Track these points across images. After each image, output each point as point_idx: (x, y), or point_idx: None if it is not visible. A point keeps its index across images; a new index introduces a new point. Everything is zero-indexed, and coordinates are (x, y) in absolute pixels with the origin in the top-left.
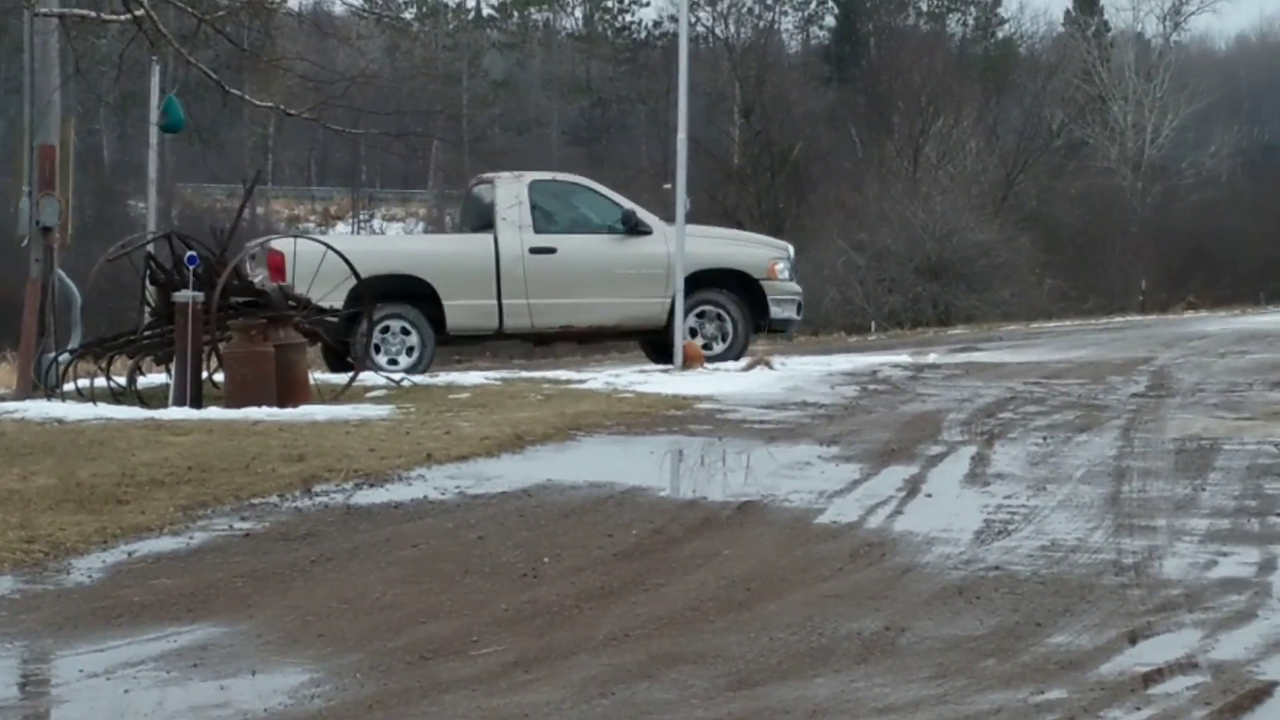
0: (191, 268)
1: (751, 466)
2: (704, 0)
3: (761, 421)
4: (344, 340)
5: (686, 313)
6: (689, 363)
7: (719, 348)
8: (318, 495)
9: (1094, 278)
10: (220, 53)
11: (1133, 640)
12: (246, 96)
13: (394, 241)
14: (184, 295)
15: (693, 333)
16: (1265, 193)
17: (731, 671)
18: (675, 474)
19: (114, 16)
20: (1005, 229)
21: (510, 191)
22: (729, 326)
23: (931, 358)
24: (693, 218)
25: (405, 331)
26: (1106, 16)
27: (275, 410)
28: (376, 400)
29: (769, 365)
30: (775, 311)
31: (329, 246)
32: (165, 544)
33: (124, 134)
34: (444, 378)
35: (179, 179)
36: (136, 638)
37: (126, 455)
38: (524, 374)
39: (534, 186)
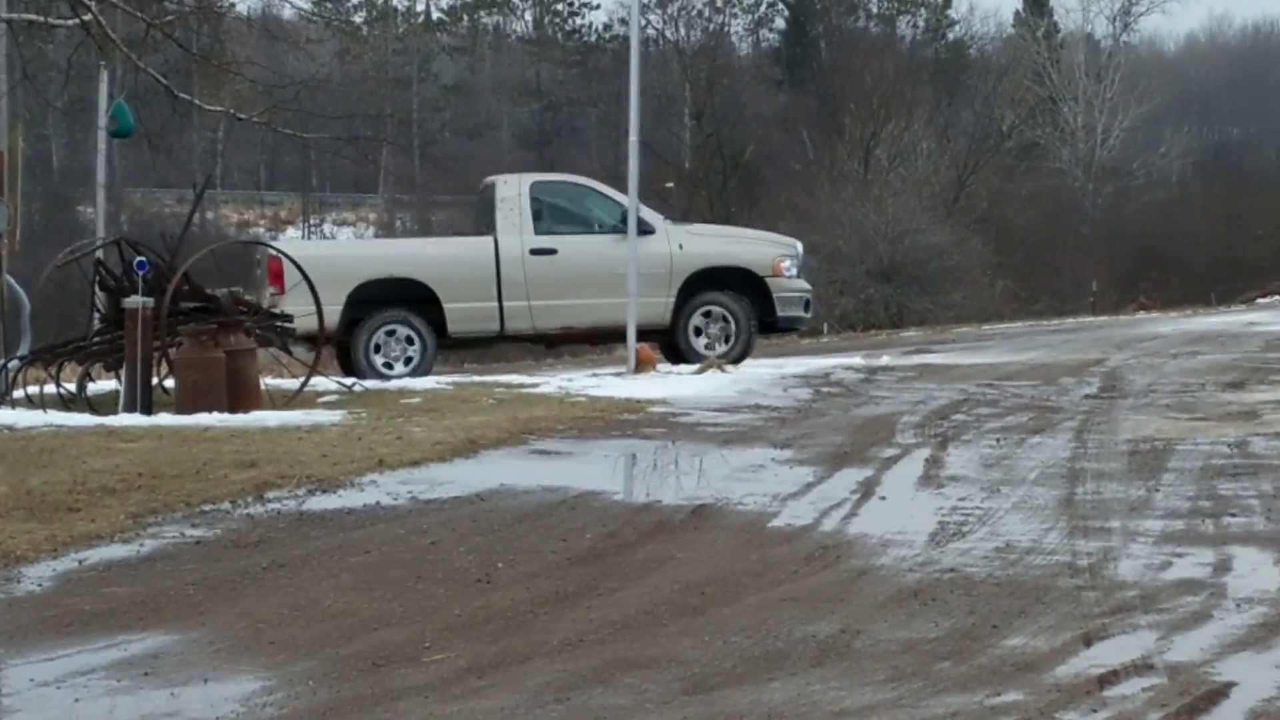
0: (141, 273)
1: (705, 470)
2: (654, 3)
3: (715, 424)
4: (343, 342)
5: (690, 313)
6: (641, 366)
7: (721, 348)
8: (269, 501)
9: (1045, 279)
10: (170, 57)
11: (1088, 642)
12: (196, 101)
13: (393, 245)
14: (134, 301)
15: (698, 332)
16: (1216, 193)
17: (686, 676)
18: (629, 478)
19: (61, 21)
20: (957, 231)
21: (510, 193)
22: (733, 326)
23: (884, 360)
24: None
25: (409, 339)
26: (1056, 18)
27: (226, 416)
28: (328, 405)
29: (722, 368)
30: (782, 309)
31: (281, 253)
32: (116, 551)
33: (73, 139)
34: (396, 383)
35: (128, 184)
36: (87, 646)
37: (77, 462)
38: (476, 378)
39: (535, 187)
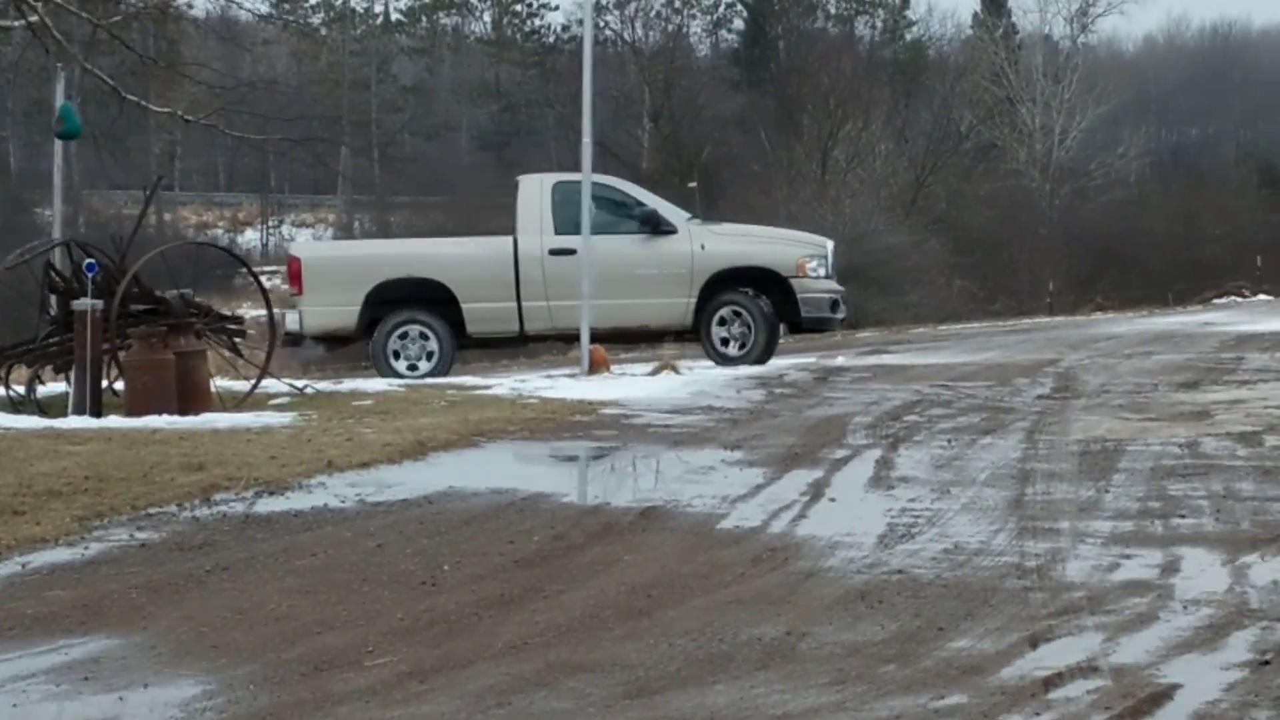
0: (90, 275)
1: (655, 472)
2: (612, 4)
3: (666, 426)
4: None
5: (712, 314)
6: (595, 367)
7: (733, 350)
8: (216, 504)
9: (1003, 279)
10: (127, 59)
11: (1034, 644)
12: (143, 103)
13: (411, 245)
14: (83, 303)
15: (723, 339)
16: (1173, 194)
17: (630, 680)
18: (578, 480)
19: (7, 23)
20: (915, 231)
21: (532, 192)
22: (750, 328)
23: (839, 361)
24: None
25: (424, 336)
26: (1014, 19)
27: (176, 418)
28: (279, 408)
29: (675, 370)
30: (806, 310)
31: (234, 263)
32: (60, 555)
33: (31, 141)
34: (348, 384)
35: (85, 186)
36: (28, 650)
37: (24, 465)
38: (429, 380)
39: (557, 187)
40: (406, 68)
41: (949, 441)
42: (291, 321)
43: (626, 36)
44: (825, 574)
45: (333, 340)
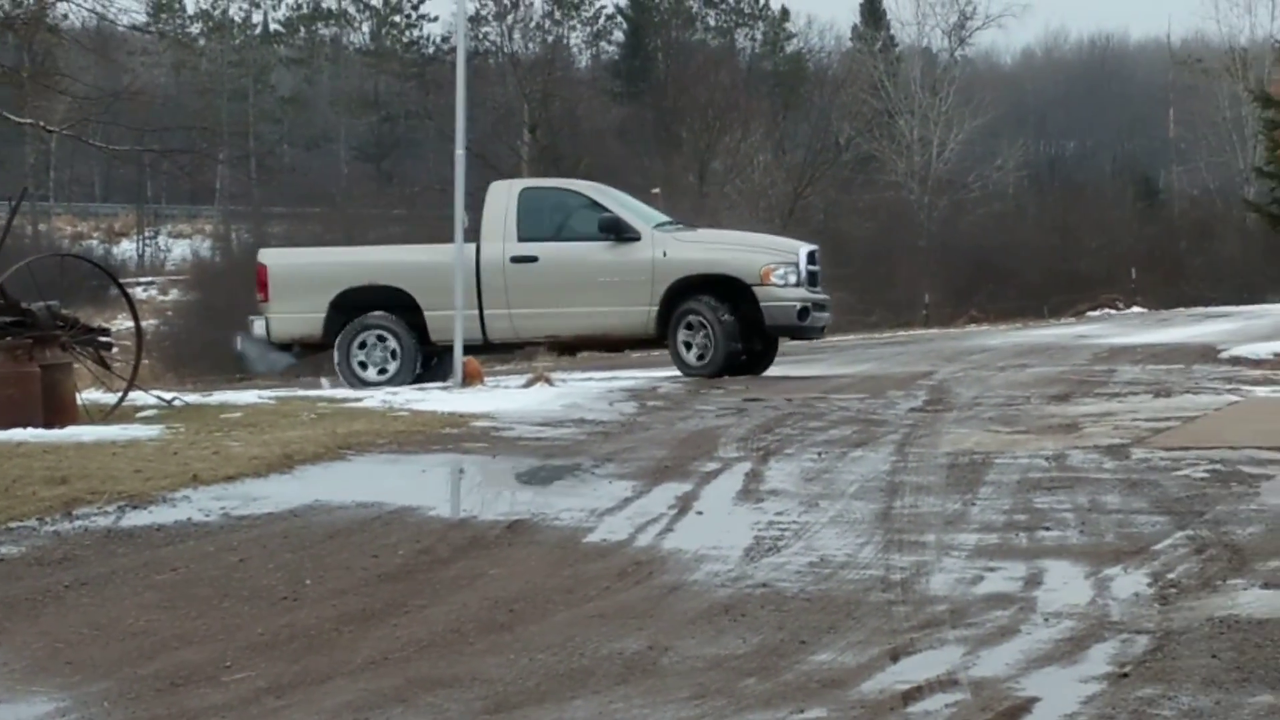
0: None
1: (523, 484)
2: (491, 16)
3: (537, 439)
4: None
5: (677, 323)
6: (469, 380)
7: (693, 359)
8: (78, 518)
9: (881, 291)
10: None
11: (895, 657)
12: (3, 113)
13: (375, 252)
14: None
15: (687, 346)
16: (1050, 206)
17: (489, 695)
18: (445, 493)
19: None
20: None
21: (498, 199)
22: (710, 338)
23: None
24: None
25: (383, 340)
26: (893, 31)
27: (41, 431)
28: (147, 420)
29: (549, 382)
30: (770, 319)
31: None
32: None
33: None
34: (217, 396)
35: None
36: None
37: None
38: (300, 392)
39: (524, 194)
40: (285, 78)
41: (819, 454)
42: (259, 329)
43: (506, 48)
44: (690, 588)
45: (304, 347)
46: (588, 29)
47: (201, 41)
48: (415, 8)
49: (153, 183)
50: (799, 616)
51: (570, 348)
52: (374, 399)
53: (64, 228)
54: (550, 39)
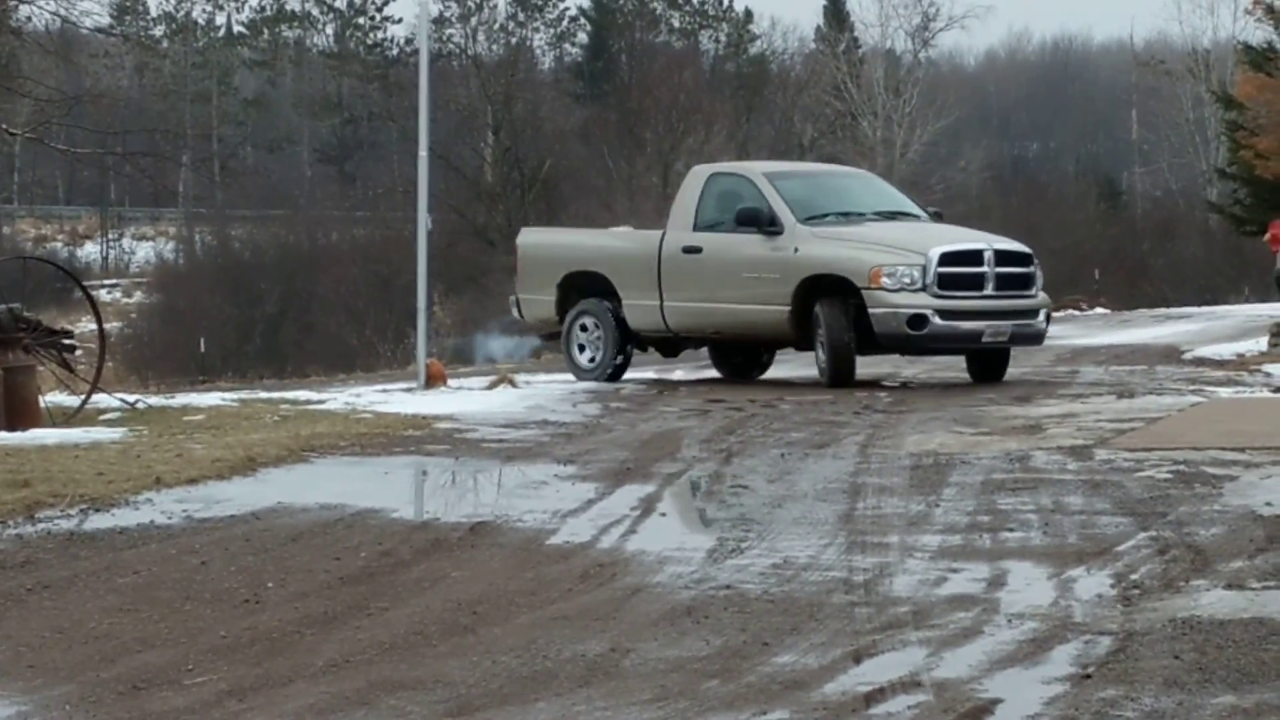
0: None
1: (486, 487)
2: (455, 18)
3: (500, 441)
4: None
5: (815, 325)
6: (432, 381)
7: (821, 366)
8: (40, 522)
9: None
10: None
11: (858, 659)
12: None
13: (591, 235)
14: None
15: (821, 349)
16: (1013, 207)
17: (451, 697)
18: (408, 495)
19: None
20: None
21: (690, 184)
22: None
23: (678, 374)
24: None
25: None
26: (856, 33)
27: (3, 434)
28: (110, 423)
29: (512, 384)
30: (878, 326)
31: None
32: None
33: None
34: (180, 399)
35: None
36: None
37: None
38: (263, 395)
39: (710, 179)
40: (248, 80)
41: (782, 455)
42: (515, 310)
43: (469, 50)
44: (652, 589)
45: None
46: (551, 31)
47: (164, 44)
48: (379, 10)
49: (116, 185)
50: (762, 618)
51: (665, 348)
52: (337, 401)
53: (27, 230)
54: (514, 41)
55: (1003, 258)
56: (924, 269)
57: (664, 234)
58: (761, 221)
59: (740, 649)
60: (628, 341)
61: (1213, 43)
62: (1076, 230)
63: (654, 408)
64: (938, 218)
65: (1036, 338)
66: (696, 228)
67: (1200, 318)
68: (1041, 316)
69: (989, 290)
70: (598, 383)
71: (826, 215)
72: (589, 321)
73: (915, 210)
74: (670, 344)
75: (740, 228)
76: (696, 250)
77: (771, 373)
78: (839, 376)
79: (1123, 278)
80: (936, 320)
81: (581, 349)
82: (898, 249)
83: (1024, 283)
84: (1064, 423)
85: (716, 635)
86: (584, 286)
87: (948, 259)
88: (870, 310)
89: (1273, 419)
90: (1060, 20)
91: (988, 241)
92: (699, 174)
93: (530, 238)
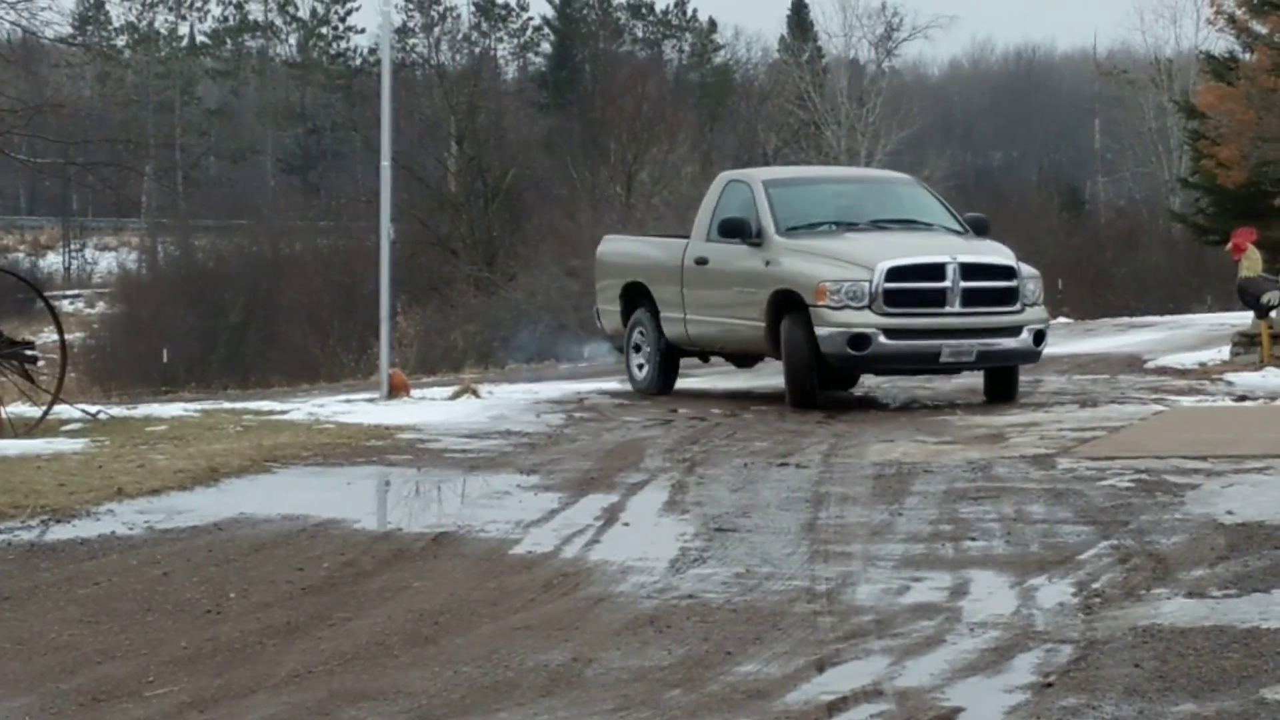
0: None
1: (449, 497)
2: (418, 27)
3: (463, 451)
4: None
5: None
6: (395, 392)
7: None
8: (1, 533)
9: None
10: None
11: (821, 668)
12: None
13: (642, 244)
14: None
15: None
16: None
17: (413, 708)
18: (370, 505)
19: None
20: None
21: (712, 192)
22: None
23: None
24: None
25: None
26: (820, 43)
27: None
28: (71, 434)
29: (475, 394)
30: (823, 346)
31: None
32: None
33: None
34: (143, 410)
35: None
36: None
37: None
38: (226, 405)
39: (727, 187)
40: (211, 90)
41: (745, 465)
42: (598, 321)
43: (433, 60)
44: (615, 599)
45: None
46: (515, 40)
47: (127, 53)
48: (342, 20)
49: (78, 196)
50: (724, 628)
51: (735, 360)
52: (299, 411)
53: None
54: (477, 51)
55: (972, 271)
56: (870, 285)
57: (687, 243)
58: (746, 232)
59: (703, 658)
60: (673, 353)
61: (1175, 52)
62: (1039, 239)
63: (617, 417)
64: (979, 227)
65: (1019, 356)
66: (709, 237)
67: (1163, 327)
68: (1026, 334)
69: (953, 306)
70: (648, 396)
71: (819, 225)
72: (638, 333)
73: (940, 220)
74: (703, 357)
75: (724, 239)
76: (705, 261)
77: (737, 383)
78: (798, 397)
79: (1086, 287)
80: (882, 340)
81: (640, 364)
82: (850, 263)
83: (1000, 297)
84: (1026, 432)
85: (679, 645)
86: (637, 297)
87: (897, 274)
88: (815, 329)
89: (1235, 428)
90: (1024, 30)
91: (951, 254)
92: (719, 181)
93: (605, 246)
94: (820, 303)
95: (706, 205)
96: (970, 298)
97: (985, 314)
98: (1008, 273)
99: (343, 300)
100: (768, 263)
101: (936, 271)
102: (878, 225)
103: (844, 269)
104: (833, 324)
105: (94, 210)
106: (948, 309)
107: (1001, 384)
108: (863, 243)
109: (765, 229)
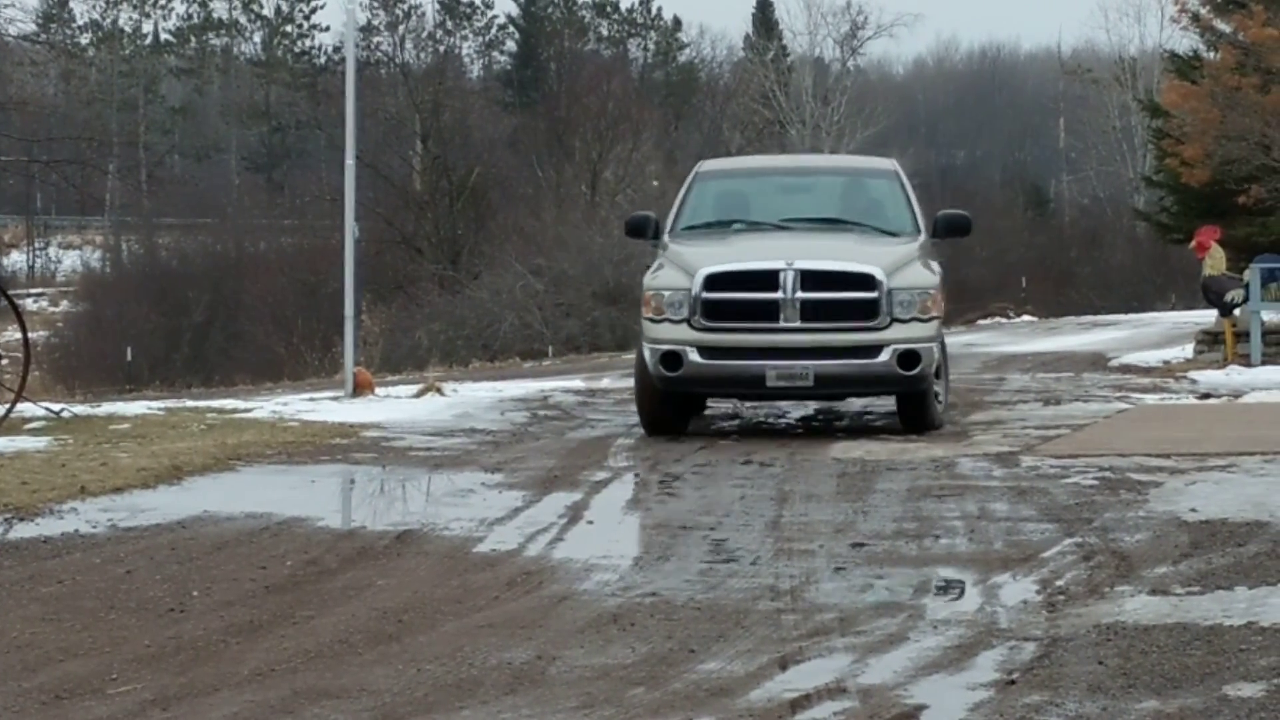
0: None
1: (413, 495)
2: (383, 26)
3: (427, 449)
4: None
5: None
6: (360, 390)
7: None
8: None
9: None
10: None
11: (784, 666)
12: None
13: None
14: None
15: None
16: None
17: (376, 705)
18: (334, 504)
19: None
20: None
21: (685, 185)
22: None
23: (605, 383)
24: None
25: None
26: (785, 42)
27: None
28: (34, 432)
29: (440, 392)
30: (648, 365)
31: None
32: None
33: None
34: (106, 408)
35: None
36: None
37: None
38: (190, 403)
39: (696, 176)
40: (175, 88)
41: (708, 463)
42: None
43: (397, 58)
44: (579, 597)
45: None
46: (479, 39)
47: (91, 51)
48: (307, 18)
49: (42, 194)
50: (688, 625)
51: None
52: (263, 410)
53: None
54: (442, 49)
55: (814, 280)
56: (690, 295)
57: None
58: (646, 232)
59: (666, 656)
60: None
61: (1139, 51)
62: (1004, 238)
63: (581, 416)
64: (952, 228)
65: (874, 381)
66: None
67: (1127, 325)
68: (887, 354)
69: (787, 322)
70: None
71: (718, 224)
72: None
73: (889, 219)
74: None
75: (632, 238)
76: (661, 266)
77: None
78: (645, 421)
79: (1050, 285)
80: (694, 358)
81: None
82: (683, 270)
83: (852, 311)
84: (990, 429)
85: (642, 642)
86: None
87: (715, 282)
88: (642, 345)
89: (1198, 425)
90: (988, 29)
91: (788, 259)
92: (695, 170)
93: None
94: (645, 314)
95: (677, 199)
96: (811, 311)
97: (828, 330)
98: (864, 282)
99: (307, 299)
100: (649, 266)
101: (766, 280)
102: (785, 225)
103: (673, 276)
104: (651, 339)
105: (58, 208)
106: (781, 324)
107: (907, 408)
108: (735, 246)
109: (663, 228)
